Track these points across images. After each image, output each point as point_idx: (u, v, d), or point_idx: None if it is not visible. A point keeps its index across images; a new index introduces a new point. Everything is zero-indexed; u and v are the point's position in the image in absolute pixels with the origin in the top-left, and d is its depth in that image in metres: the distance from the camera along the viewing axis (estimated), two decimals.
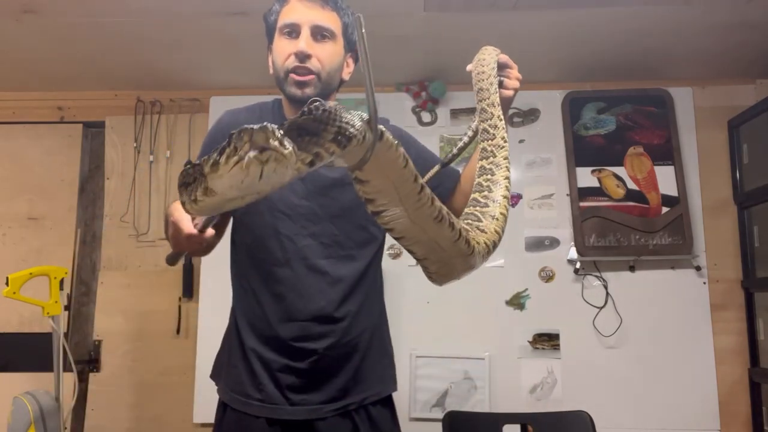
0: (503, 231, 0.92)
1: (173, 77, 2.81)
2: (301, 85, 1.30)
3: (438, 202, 0.73)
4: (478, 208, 0.93)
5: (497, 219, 0.91)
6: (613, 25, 2.32)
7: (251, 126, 0.47)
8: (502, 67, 1.19)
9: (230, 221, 1.41)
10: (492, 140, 1.05)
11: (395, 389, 1.41)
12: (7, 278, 2.25)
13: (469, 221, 0.89)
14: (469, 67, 1.17)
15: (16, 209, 2.90)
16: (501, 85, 1.18)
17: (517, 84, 1.21)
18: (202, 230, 1.08)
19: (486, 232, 0.87)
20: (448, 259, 0.79)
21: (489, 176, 0.99)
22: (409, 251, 0.77)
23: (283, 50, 1.31)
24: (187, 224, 1.07)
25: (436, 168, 1.22)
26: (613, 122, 2.74)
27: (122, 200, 2.87)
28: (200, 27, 2.31)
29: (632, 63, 2.65)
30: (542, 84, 2.81)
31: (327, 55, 1.32)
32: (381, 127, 0.63)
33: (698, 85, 2.77)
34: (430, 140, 2.73)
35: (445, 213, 0.74)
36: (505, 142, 1.04)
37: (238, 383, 1.32)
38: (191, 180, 0.55)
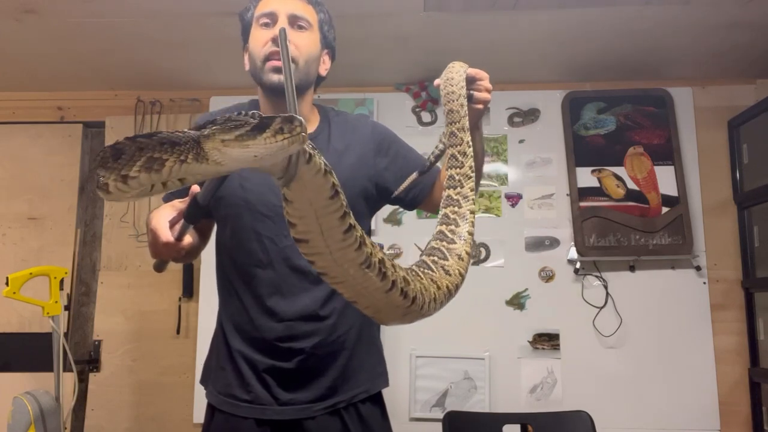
0: (467, 270, 0.89)
1: (173, 77, 2.81)
2: (279, 70, 1.27)
3: (368, 248, 0.69)
4: (444, 243, 0.90)
5: (462, 259, 0.89)
6: (612, 25, 2.32)
7: (293, 115, 0.54)
8: (471, 80, 1.14)
9: (214, 225, 1.41)
10: (460, 168, 1.00)
11: (387, 385, 1.40)
12: (7, 278, 2.26)
13: (435, 258, 0.86)
14: (437, 82, 1.13)
15: (16, 209, 2.90)
16: (470, 99, 1.13)
17: (487, 96, 1.15)
18: (179, 238, 1.06)
19: (450, 275, 0.85)
20: (383, 307, 0.75)
21: (456, 208, 0.96)
22: (337, 290, 0.73)
23: (261, 38, 1.31)
24: (165, 232, 1.05)
25: (413, 176, 1.21)
26: (613, 122, 2.74)
27: None
28: (200, 27, 2.31)
29: (632, 63, 2.65)
30: (542, 84, 2.82)
31: (304, 43, 1.31)
32: (312, 149, 0.61)
33: (698, 85, 2.77)
34: (430, 140, 2.71)
35: (375, 261, 0.69)
36: (473, 171, 1.01)
37: (225, 385, 1.32)
38: (183, 141, 0.56)
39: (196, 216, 1.03)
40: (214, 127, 0.56)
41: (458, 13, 2.23)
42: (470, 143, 1.04)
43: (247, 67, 1.37)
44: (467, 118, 1.06)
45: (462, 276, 0.87)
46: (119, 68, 2.72)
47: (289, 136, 0.54)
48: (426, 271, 0.82)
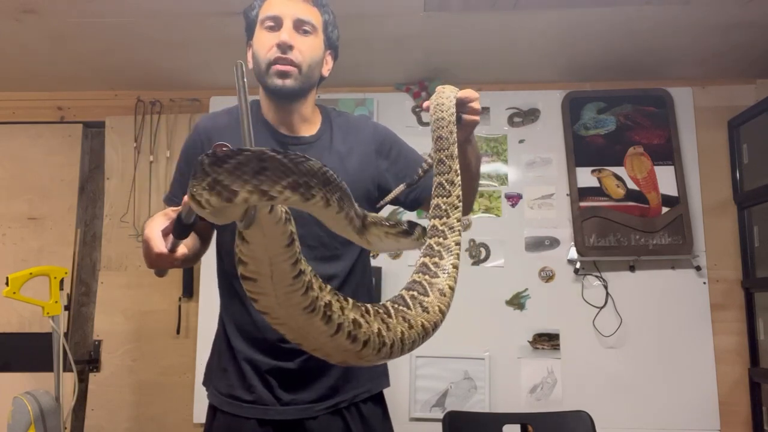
0: (449, 306, 0.85)
1: (173, 77, 2.81)
2: (283, 75, 1.29)
3: (315, 292, 0.68)
4: (427, 276, 0.86)
5: (444, 295, 0.85)
6: (613, 25, 2.32)
7: (425, 228, 0.79)
8: (461, 103, 1.12)
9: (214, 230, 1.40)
10: (447, 198, 0.97)
11: (388, 385, 1.41)
12: (7, 278, 2.26)
13: (414, 293, 0.83)
14: (426, 104, 1.12)
15: (16, 209, 2.90)
16: (460, 121, 1.11)
17: (476, 119, 1.14)
18: (172, 250, 1.04)
19: (428, 312, 0.81)
20: (332, 351, 0.73)
21: (441, 239, 0.92)
22: (279, 331, 0.72)
23: (265, 43, 1.31)
24: (158, 243, 1.03)
25: (401, 187, 1.20)
26: (613, 122, 2.74)
27: (122, 200, 2.87)
28: (200, 27, 2.31)
29: (632, 63, 2.65)
30: (542, 84, 2.82)
31: (308, 48, 1.31)
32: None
33: (698, 85, 2.77)
34: (430, 141, 2.73)
35: (320, 305, 0.68)
36: (460, 201, 0.98)
37: (228, 386, 1.32)
38: (354, 203, 0.68)
39: (183, 233, 1.00)
40: (376, 217, 0.72)
41: (458, 13, 2.23)
42: (458, 171, 1.01)
43: (250, 65, 1.38)
44: (456, 145, 1.04)
45: (443, 313, 0.84)
46: (119, 68, 2.72)
47: (424, 240, 0.78)
48: (400, 308, 0.79)
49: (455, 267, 0.89)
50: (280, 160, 0.56)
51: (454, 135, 1.04)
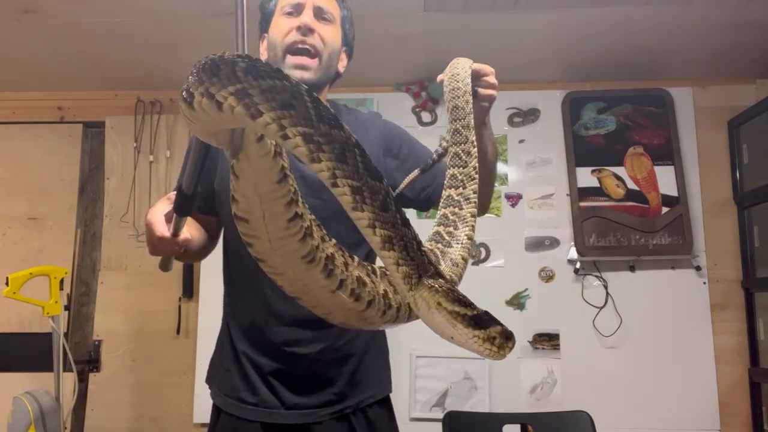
0: (461, 278, 0.83)
1: (173, 77, 2.81)
2: (302, 68, 1.27)
3: (315, 241, 0.63)
4: (439, 245, 0.84)
5: (457, 265, 0.82)
6: (613, 25, 2.32)
7: (512, 333, 0.56)
8: (476, 76, 1.10)
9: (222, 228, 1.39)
10: (463, 168, 0.95)
11: (390, 390, 1.39)
12: (7, 278, 2.26)
13: None
14: (440, 77, 1.10)
15: (16, 209, 2.90)
16: (475, 95, 1.09)
17: (493, 93, 1.11)
18: (175, 233, 1.02)
19: None
20: (333, 309, 0.69)
21: (456, 209, 0.90)
22: (277, 283, 0.67)
23: (284, 26, 1.28)
24: (160, 226, 1.01)
25: (415, 173, 1.18)
26: (613, 122, 2.74)
27: (122, 200, 2.87)
28: (200, 27, 2.31)
29: (632, 63, 2.65)
30: (542, 84, 2.82)
31: (329, 35, 1.30)
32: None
33: (698, 85, 2.77)
34: (430, 140, 2.71)
35: (321, 256, 0.64)
36: (477, 173, 0.95)
37: (231, 387, 1.30)
38: (422, 252, 0.55)
39: (185, 207, 0.97)
40: (441, 284, 0.55)
41: (458, 13, 2.23)
42: (475, 142, 0.99)
43: (264, 57, 1.35)
44: (473, 115, 1.02)
45: (454, 283, 0.80)
46: (119, 68, 2.72)
47: (495, 350, 0.53)
48: None
49: (469, 238, 0.87)
50: (276, 80, 0.54)
51: (470, 105, 1.03)
